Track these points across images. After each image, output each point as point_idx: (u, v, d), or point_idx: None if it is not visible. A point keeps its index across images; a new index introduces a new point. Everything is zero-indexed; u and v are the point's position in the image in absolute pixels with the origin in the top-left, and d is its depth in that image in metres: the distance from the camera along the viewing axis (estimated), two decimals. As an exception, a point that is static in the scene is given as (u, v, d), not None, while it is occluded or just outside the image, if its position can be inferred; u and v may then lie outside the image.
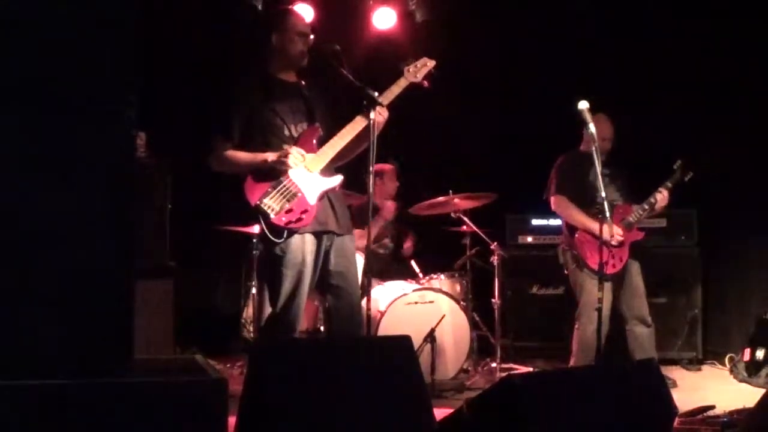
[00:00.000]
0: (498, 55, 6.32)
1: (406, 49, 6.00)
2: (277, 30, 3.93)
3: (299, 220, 3.72)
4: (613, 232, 4.88)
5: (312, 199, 3.77)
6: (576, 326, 5.01)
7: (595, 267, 4.88)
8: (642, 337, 5.03)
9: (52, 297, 2.42)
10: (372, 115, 3.73)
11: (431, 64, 3.95)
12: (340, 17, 6.05)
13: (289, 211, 3.71)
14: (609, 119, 5.12)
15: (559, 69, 6.13)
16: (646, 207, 5.05)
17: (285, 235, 3.70)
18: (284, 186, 3.73)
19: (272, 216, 3.67)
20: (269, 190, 3.71)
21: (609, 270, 4.81)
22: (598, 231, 4.80)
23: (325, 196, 3.84)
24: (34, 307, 2.41)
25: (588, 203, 4.88)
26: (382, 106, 3.81)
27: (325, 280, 3.87)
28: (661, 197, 5.05)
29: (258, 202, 3.67)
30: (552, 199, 5.13)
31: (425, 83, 3.92)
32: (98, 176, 2.50)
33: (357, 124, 3.81)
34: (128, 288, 2.55)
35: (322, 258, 3.83)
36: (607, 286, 4.68)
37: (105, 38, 2.54)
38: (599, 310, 4.14)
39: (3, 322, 2.38)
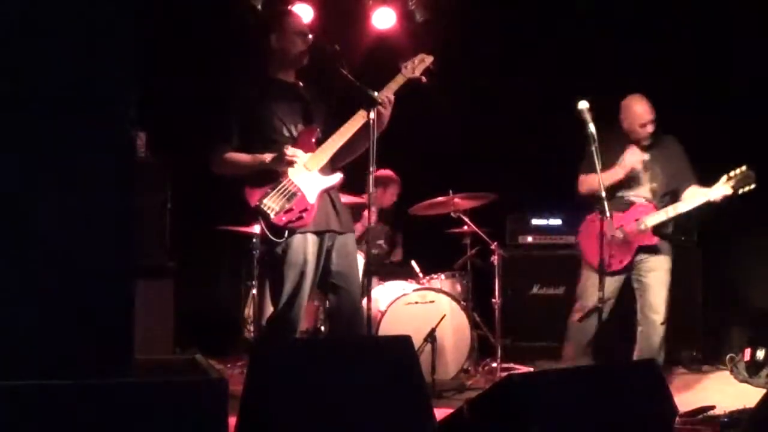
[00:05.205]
0: (498, 55, 6.31)
1: (405, 49, 6.01)
2: (275, 30, 3.93)
3: (299, 219, 3.72)
4: (612, 231, 4.53)
5: (311, 197, 3.77)
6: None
7: (589, 259, 4.84)
8: (641, 341, 4.81)
9: (52, 297, 2.42)
10: (372, 115, 3.73)
11: (429, 60, 3.91)
12: (339, 17, 6.05)
13: (289, 210, 3.71)
14: (645, 99, 4.78)
15: (559, 69, 6.13)
16: (671, 215, 4.67)
17: (286, 235, 3.70)
18: (283, 186, 3.73)
19: (272, 216, 3.67)
20: (269, 191, 3.71)
21: (606, 267, 4.52)
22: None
23: (326, 194, 3.83)
24: (34, 307, 2.41)
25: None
26: (382, 107, 3.80)
27: (327, 280, 3.86)
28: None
29: (258, 204, 3.68)
30: (579, 179, 4.88)
31: (423, 79, 3.89)
32: (98, 176, 2.50)
33: (357, 120, 3.79)
34: (128, 288, 2.55)
35: (324, 258, 3.82)
36: (604, 280, 4.37)
37: (105, 39, 2.54)
38: (599, 309, 4.11)
39: (3, 322, 2.38)
